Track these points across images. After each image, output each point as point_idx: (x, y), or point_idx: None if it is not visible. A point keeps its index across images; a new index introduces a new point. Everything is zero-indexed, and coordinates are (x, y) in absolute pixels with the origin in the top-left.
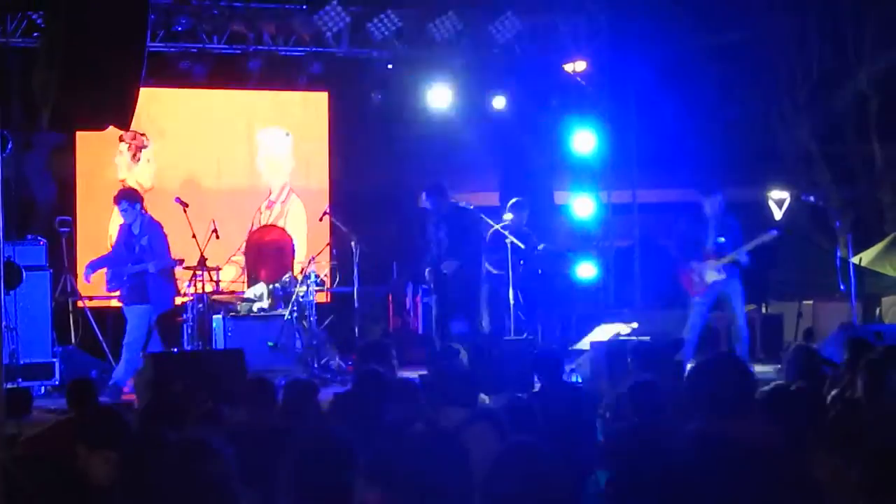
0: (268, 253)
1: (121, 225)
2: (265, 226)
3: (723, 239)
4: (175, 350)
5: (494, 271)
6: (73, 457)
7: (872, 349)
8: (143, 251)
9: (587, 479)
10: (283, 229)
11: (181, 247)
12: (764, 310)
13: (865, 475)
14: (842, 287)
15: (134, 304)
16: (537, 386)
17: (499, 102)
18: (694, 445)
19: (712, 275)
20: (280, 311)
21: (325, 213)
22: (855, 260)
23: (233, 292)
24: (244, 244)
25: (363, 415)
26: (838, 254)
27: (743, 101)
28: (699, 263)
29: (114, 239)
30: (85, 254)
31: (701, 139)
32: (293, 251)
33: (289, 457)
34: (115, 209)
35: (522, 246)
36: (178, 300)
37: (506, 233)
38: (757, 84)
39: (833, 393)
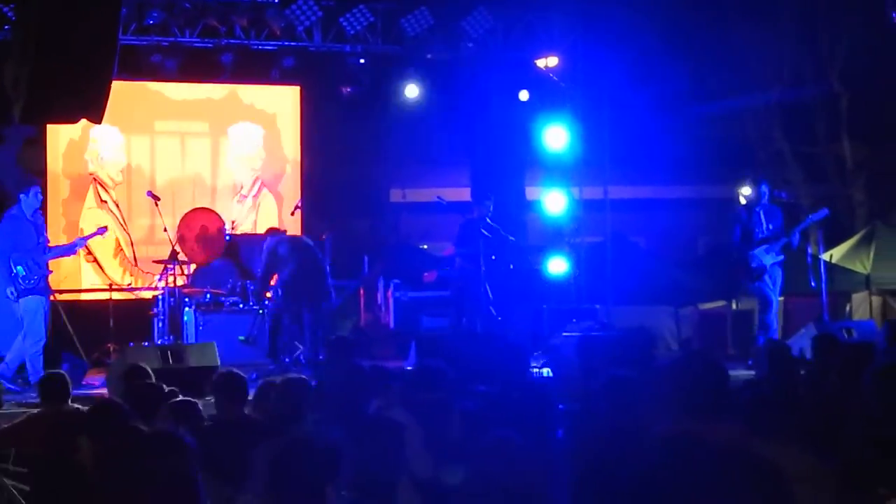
0: (201, 237)
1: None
2: (195, 210)
3: (771, 225)
4: (146, 344)
5: (465, 266)
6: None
7: (839, 345)
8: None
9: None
10: (214, 213)
11: (153, 240)
12: (734, 306)
13: (839, 471)
14: (812, 283)
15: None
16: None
17: (467, 98)
18: (663, 446)
19: (770, 257)
20: (251, 305)
21: (296, 207)
22: (825, 257)
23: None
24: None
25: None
26: (809, 251)
27: (714, 98)
28: (757, 249)
29: (85, 232)
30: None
31: (672, 136)
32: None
33: (265, 454)
34: (86, 202)
35: (511, 239)
36: (149, 294)
37: (483, 231)
38: (728, 81)
39: (803, 390)
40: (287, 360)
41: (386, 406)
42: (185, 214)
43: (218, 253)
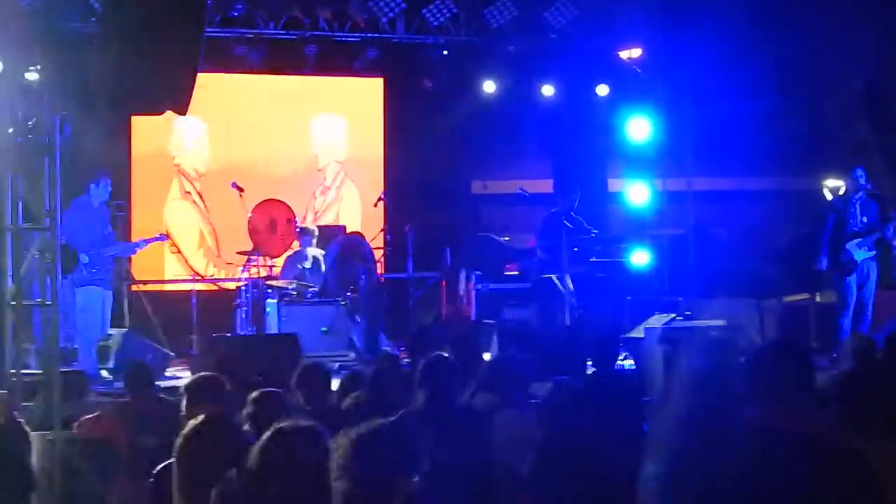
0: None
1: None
2: (266, 201)
3: (865, 218)
4: (229, 335)
5: (547, 258)
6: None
7: None
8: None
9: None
10: (285, 204)
11: (236, 232)
12: (818, 299)
13: None
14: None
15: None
16: (589, 371)
17: (548, 91)
18: (749, 435)
19: (862, 252)
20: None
21: (379, 199)
22: None
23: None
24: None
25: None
26: (895, 243)
27: (799, 89)
28: (849, 243)
29: (168, 225)
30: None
31: (756, 127)
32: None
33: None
34: (170, 194)
35: (595, 232)
36: (233, 285)
37: (564, 222)
38: (814, 71)
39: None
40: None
41: (472, 396)
42: (256, 206)
43: (288, 244)
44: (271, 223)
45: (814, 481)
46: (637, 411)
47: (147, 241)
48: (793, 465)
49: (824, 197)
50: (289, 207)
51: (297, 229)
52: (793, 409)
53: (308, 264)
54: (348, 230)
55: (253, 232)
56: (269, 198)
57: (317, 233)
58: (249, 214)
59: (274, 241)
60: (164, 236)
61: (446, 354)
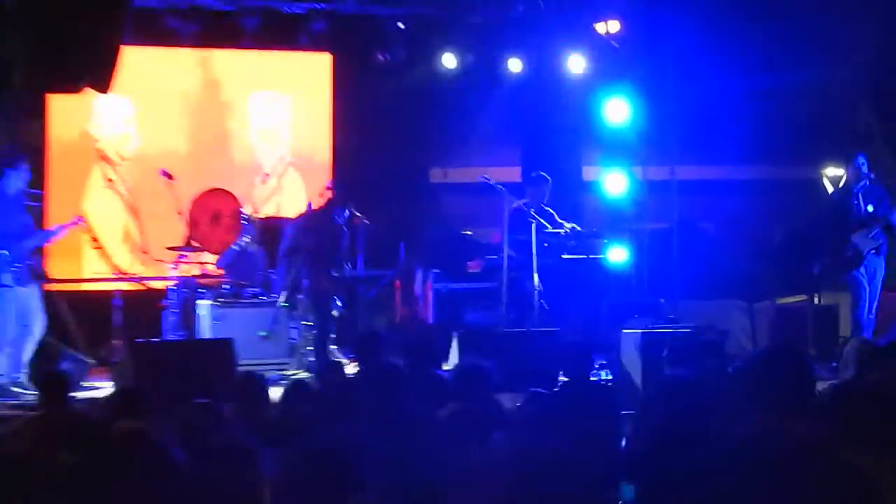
0: (216, 222)
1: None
2: (210, 191)
3: (871, 207)
4: (155, 341)
5: (514, 255)
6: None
7: None
8: None
9: (611, 491)
10: (230, 195)
11: (165, 225)
12: (816, 301)
13: None
14: None
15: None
16: (561, 382)
17: (516, 66)
18: (739, 453)
19: (868, 243)
20: (274, 297)
21: (326, 189)
22: None
23: (221, 275)
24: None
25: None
26: None
27: (795, 69)
28: (854, 234)
29: (87, 215)
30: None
31: (747, 110)
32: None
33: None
34: (90, 182)
35: (550, 227)
36: (161, 285)
37: (531, 212)
38: (811, 50)
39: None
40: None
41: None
42: (198, 196)
43: (233, 239)
44: (214, 215)
45: (812, 496)
46: (614, 426)
47: (63, 228)
48: (789, 486)
49: (824, 188)
50: (234, 198)
51: (244, 220)
52: (789, 423)
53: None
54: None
55: (193, 224)
56: (212, 187)
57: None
58: (189, 205)
59: (216, 235)
60: (81, 219)
61: (398, 362)
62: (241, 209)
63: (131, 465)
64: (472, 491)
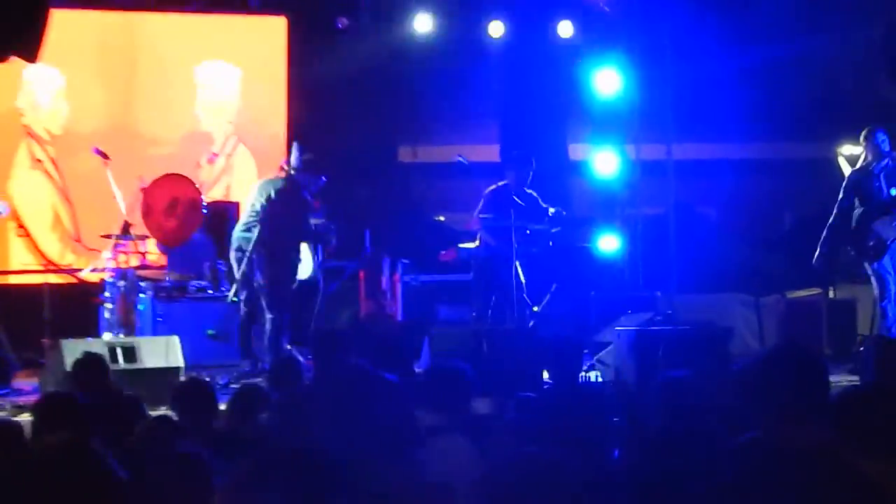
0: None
1: None
2: (167, 176)
3: (894, 190)
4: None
5: (493, 243)
6: None
7: None
8: None
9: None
10: (190, 182)
11: (101, 209)
12: (831, 294)
13: None
14: None
15: None
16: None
17: (497, 31)
18: (747, 460)
19: (892, 231)
20: (223, 291)
21: (281, 168)
22: None
23: (163, 266)
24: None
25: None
26: None
27: (806, 35)
28: (875, 221)
29: (14, 199)
30: None
31: (752, 82)
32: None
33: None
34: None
35: (532, 212)
36: (96, 276)
37: (512, 195)
38: (822, 16)
39: None
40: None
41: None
42: (153, 182)
43: (191, 231)
44: (171, 204)
45: None
46: (605, 435)
47: None
48: (801, 488)
49: (839, 167)
50: (194, 187)
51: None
52: (798, 433)
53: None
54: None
55: (146, 213)
56: (169, 173)
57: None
58: (142, 191)
59: (170, 226)
60: (6, 207)
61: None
62: (201, 198)
63: (64, 482)
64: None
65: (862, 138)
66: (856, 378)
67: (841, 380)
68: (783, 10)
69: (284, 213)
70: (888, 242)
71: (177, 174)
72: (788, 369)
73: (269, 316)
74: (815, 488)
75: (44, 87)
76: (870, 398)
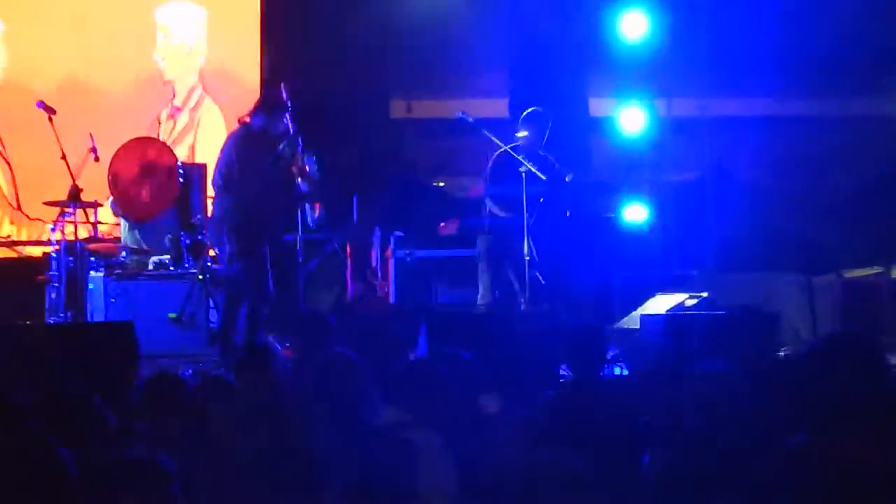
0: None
1: None
2: (139, 139)
3: None
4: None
5: (501, 214)
6: None
7: None
8: None
9: None
10: (166, 146)
11: (46, 172)
12: (893, 274)
13: None
14: None
15: None
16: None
17: None
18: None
19: None
20: (188, 268)
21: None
22: None
23: (118, 239)
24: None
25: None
26: None
27: None
28: None
29: None
30: None
31: (801, 26)
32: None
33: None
34: None
35: (543, 176)
36: (39, 251)
37: (520, 157)
38: None
39: None
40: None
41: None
42: (122, 147)
43: (166, 203)
44: (143, 173)
45: None
46: (633, 435)
47: None
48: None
49: None
50: (170, 152)
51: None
52: (863, 431)
53: None
54: (209, 170)
55: (113, 183)
56: (140, 137)
57: None
58: (111, 157)
59: (142, 198)
60: None
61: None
62: (177, 165)
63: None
64: None
65: None
66: None
67: None
68: None
69: (259, 176)
70: None
71: (148, 137)
72: (844, 362)
73: (245, 295)
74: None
75: None
76: None
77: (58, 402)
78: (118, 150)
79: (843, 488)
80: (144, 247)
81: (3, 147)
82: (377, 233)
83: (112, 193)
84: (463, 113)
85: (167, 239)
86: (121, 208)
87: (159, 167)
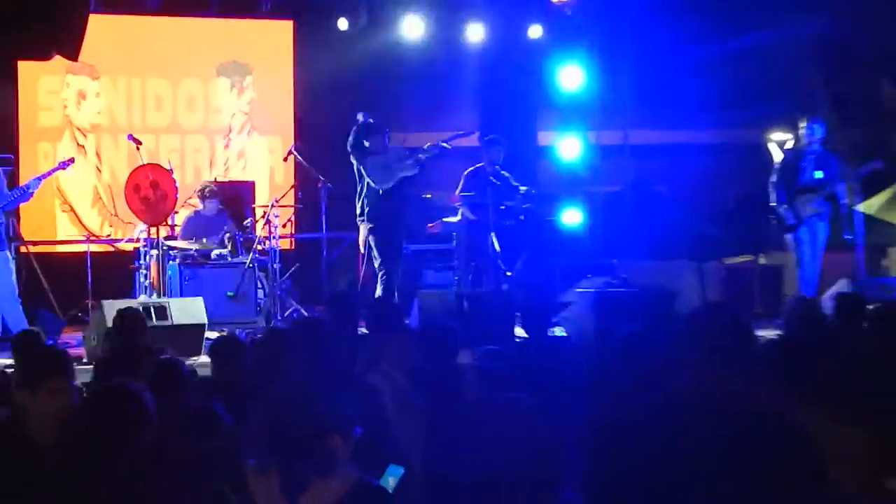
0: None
1: None
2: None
3: (821, 173)
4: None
5: (472, 217)
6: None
7: (864, 306)
8: None
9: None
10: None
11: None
12: (762, 260)
13: (873, 433)
14: (847, 236)
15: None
16: (521, 340)
17: (476, 33)
18: (678, 401)
19: (809, 209)
20: (241, 258)
21: (289, 153)
22: (862, 208)
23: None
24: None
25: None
26: (844, 201)
27: (744, 35)
28: (796, 198)
29: (60, 180)
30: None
31: (699, 76)
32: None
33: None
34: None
35: (503, 189)
36: (130, 246)
37: (488, 174)
38: (762, 16)
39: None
40: (279, 318)
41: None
42: (139, 168)
43: (161, 220)
44: (153, 187)
45: (751, 456)
46: (571, 380)
47: (44, 176)
48: (729, 438)
49: (768, 151)
50: (171, 178)
51: (198, 191)
52: (729, 377)
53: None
54: (257, 186)
55: (132, 192)
56: (152, 163)
57: (214, 189)
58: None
59: (149, 208)
60: (69, 162)
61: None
62: (175, 187)
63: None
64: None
65: (800, 126)
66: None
67: (769, 334)
68: (727, 10)
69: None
70: (804, 218)
71: (157, 164)
72: (717, 325)
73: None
74: (736, 427)
75: (83, 83)
76: (785, 348)
77: (150, 360)
78: (135, 170)
79: (707, 420)
80: (207, 243)
81: (103, 168)
82: None
83: (127, 202)
84: (444, 143)
85: (225, 237)
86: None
87: (166, 184)
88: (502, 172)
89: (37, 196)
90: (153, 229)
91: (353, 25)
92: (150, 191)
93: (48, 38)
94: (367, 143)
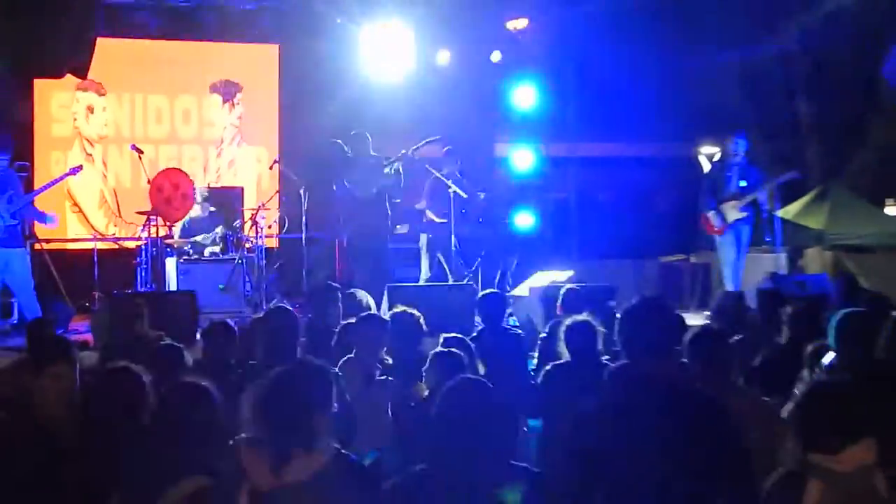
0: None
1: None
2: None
3: (745, 182)
4: (129, 291)
5: (437, 220)
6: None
7: (783, 299)
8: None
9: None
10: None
11: (135, 193)
12: (693, 259)
13: (796, 414)
14: (767, 238)
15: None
16: (478, 328)
17: (444, 58)
18: (615, 381)
19: (734, 214)
20: (231, 255)
21: (274, 162)
22: (781, 213)
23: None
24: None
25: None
26: (765, 207)
27: (678, 58)
28: (722, 204)
29: (70, 186)
30: (42, 199)
31: (638, 95)
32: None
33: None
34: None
35: (464, 195)
36: (133, 244)
37: (448, 182)
38: (692, 41)
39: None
40: (264, 307)
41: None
42: (162, 172)
43: (180, 216)
44: (174, 188)
45: (673, 425)
46: (523, 363)
47: (56, 181)
48: (654, 408)
49: (698, 163)
50: (189, 180)
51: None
52: (657, 358)
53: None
54: (245, 192)
55: (155, 192)
56: (173, 167)
57: (207, 193)
58: (151, 177)
59: (173, 208)
60: (78, 168)
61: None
62: (192, 193)
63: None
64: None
65: (727, 140)
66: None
67: (697, 324)
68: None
69: None
70: (730, 222)
71: (177, 169)
72: (651, 315)
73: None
74: (663, 405)
75: (91, 99)
76: (707, 337)
77: (146, 345)
78: (160, 173)
79: (637, 396)
80: (201, 241)
81: (109, 175)
82: None
83: (152, 203)
84: (411, 153)
85: (217, 236)
86: (159, 214)
87: (185, 188)
88: (461, 179)
89: (49, 199)
90: (153, 229)
91: (332, 50)
92: (172, 191)
93: (61, 59)
94: (349, 151)
